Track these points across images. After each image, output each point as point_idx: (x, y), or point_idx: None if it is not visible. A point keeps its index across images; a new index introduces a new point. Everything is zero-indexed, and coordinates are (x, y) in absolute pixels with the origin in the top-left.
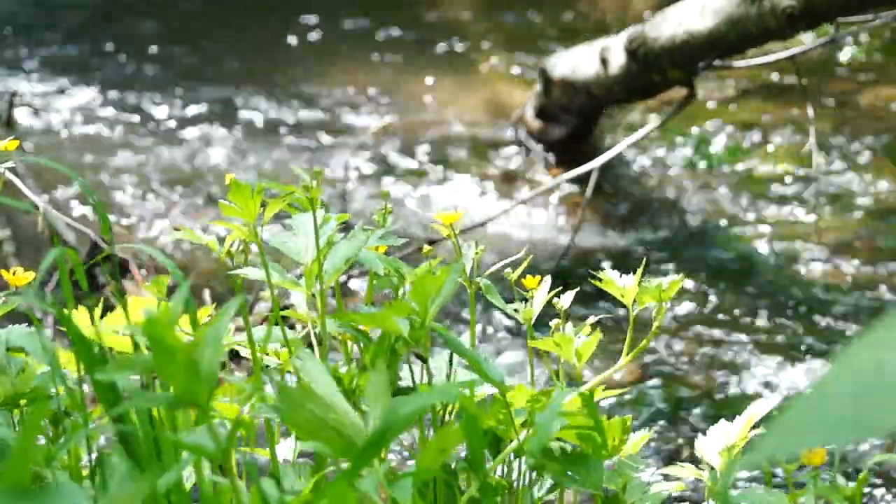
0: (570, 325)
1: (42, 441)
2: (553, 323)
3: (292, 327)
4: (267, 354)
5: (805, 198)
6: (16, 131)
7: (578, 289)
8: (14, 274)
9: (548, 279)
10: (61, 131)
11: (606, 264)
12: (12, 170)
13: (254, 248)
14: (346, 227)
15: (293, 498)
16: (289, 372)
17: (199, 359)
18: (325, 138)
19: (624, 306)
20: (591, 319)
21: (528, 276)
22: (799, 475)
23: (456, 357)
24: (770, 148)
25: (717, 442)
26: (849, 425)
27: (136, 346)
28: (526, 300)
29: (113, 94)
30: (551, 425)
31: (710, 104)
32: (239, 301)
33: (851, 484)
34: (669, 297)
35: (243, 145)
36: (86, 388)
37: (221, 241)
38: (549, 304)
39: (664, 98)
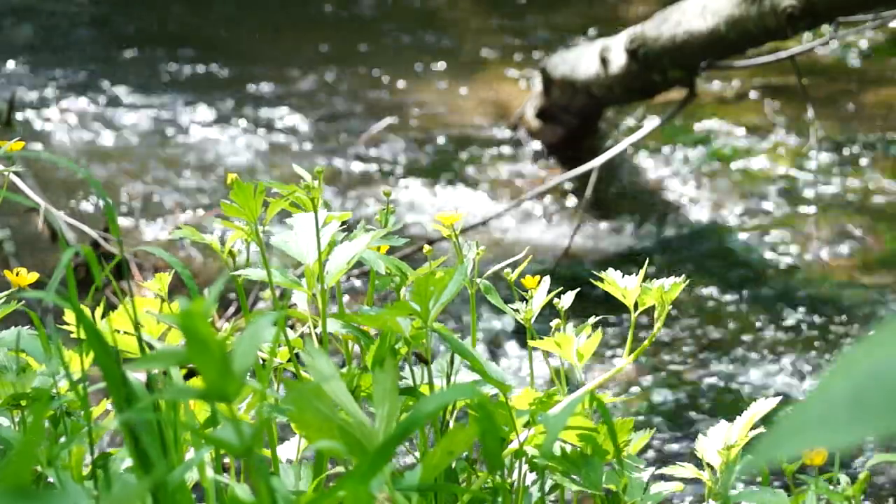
0: (570, 325)
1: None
2: (554, 323)
3: (292, 327)
4: (274, 355)
5: (805, 197)
6: (15, 132)
7: (579, 289)
8: (17, 275)
9: (547, 279)
10: (61, 131)
11: (606, 264)
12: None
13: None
14: (347, 227)
15: (299, 497)
16: (288, 371)
17: (233, 354)
18: (326, 138)
19: (625, 307)
20: (593, 320)
21: (528, 276)
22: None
23: (457, 357)
24: (770, 148)
25: (717, 442)
26: (848, 427)
27: (141, 347)
28: (526, 300)
29: (113, 93)
30: (553, 426)
31: (711, 104)
32: (276, 311)
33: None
34: (671, 299)
35: (244, 144)
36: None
37: (223, 240)
38: (549, 304)
39: (664, 98)
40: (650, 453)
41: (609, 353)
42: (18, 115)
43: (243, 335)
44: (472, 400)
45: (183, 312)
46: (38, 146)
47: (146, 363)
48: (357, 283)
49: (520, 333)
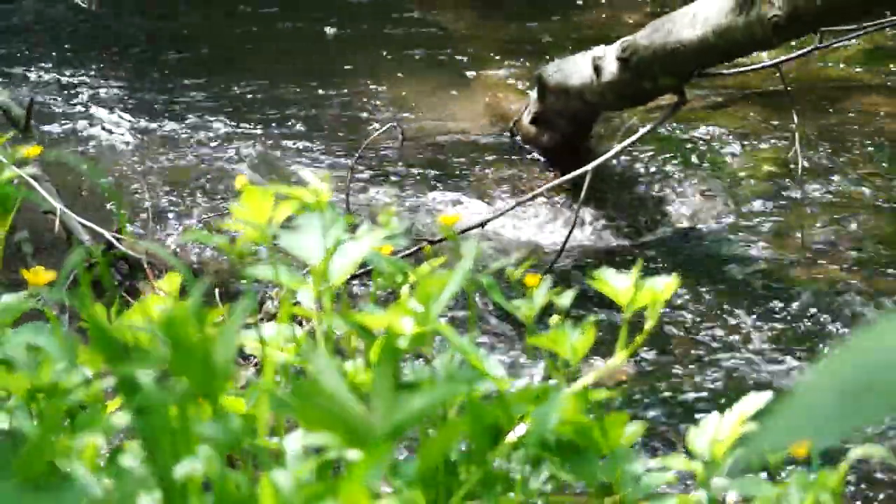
0: (569, 323)
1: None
2: (552, 320)
3: (300, 324)
4: (281, 351)
5: (793, 201)
6: (33, 138)
7: (579, 288)
8: (35, 274)
9: (548, 278)
10: (76, 137)
11: (600, 265)
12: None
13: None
14: (351, 229)
15: (304, 489)
16: (294, 367)
17: (213, 355)
18: (326, 142)
19: (619, 306)
20: (592, 319)
21: (529, 275)
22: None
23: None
24: (758, 152)
25: (708, 434)
26: (836, 421)
27: (152, 341)
28: (527, 298)
29: (124, 100)
30: (548, 419)
31: (700, 110)
32: (248, 302)
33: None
34: (664, 298)
35: (246, 148)
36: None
37: (233, 240)
38: (544, 304)
39: (656, 105)
40: (643, 446)
41: (607, 350)
42: (35, 121)
43: (219, 336)
44: (466, 394)
45: (164, 318)
46: (54, 151)
47: (139, 364)
48: (359, 281)
49: (519, 332)
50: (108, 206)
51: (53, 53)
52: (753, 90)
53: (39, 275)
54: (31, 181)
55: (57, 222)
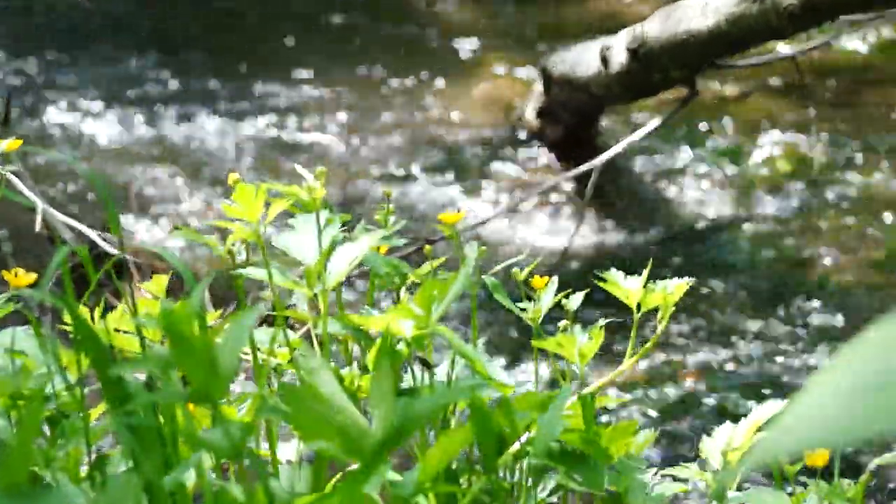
0: (577, 326)
1: (41, 442)
2: (561, 324)
3: (292, 327)
4: (274, 356)
5: (807, 197)
6: (12, 131)
7: (588, 290)
8: (16, 275)
9: (555, 279)
10: (58, 130)
11: (607, 264)
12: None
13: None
14: (347, 228)
15: (298, 499)
16: (289, 372)
17: (218, 354)
18: (324, 137)
19: (628, 307)
20: (601, 322)
21: (535, 276)
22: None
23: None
24: (771, 147)
25: (721, 443)
26: (847, 427)
27: (142, 345)
28: (531, 300)
29: (111, 93)
30: (554, 427)
31: (712, 103)
32: (259, 305)
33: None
34: (675, 300)
35: (243, 144)
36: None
37: (224, 239)
38: (550, 306)
39: (665, 97)
40: (654, 454)
41: (615, 354)
42: (15, 114)
43: (225, 334)
44: (470, 401)
45: (166, 313)
46: (34, 145)
47: (131, 366)
48: (358, 283)
49: (524, 334)
50: (91, 202)
51: (37, 43)
52: (768, 82)
53: (20, 277)
54: (12, 177)
55: (38, 220)
